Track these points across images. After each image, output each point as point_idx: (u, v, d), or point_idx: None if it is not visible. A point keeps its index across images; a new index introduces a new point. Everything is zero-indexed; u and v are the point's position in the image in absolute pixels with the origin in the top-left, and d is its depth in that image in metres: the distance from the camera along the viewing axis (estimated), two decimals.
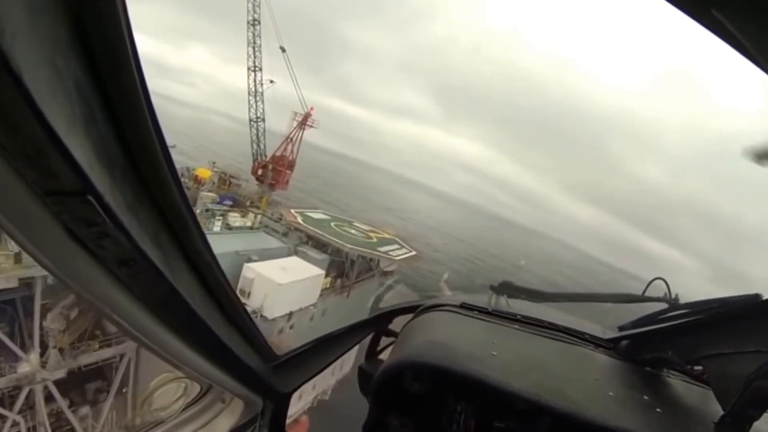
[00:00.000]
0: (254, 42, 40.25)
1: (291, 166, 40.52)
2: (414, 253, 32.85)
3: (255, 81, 41.22)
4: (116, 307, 0.70)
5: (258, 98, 41.37)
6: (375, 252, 29.02)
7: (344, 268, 28.79)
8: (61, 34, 0.42)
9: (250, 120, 41.23)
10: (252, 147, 41.05)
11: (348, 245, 27.54)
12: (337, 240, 27.80)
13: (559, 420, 1.12)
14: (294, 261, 24.56)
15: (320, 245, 28.42)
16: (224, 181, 37.31)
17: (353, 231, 32.78)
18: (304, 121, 39.61)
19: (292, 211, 32.07)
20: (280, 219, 30.43)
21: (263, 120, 41.48)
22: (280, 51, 39.64)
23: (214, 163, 38.37)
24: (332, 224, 32.48)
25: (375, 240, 32.51)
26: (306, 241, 29.00)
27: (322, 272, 25.23)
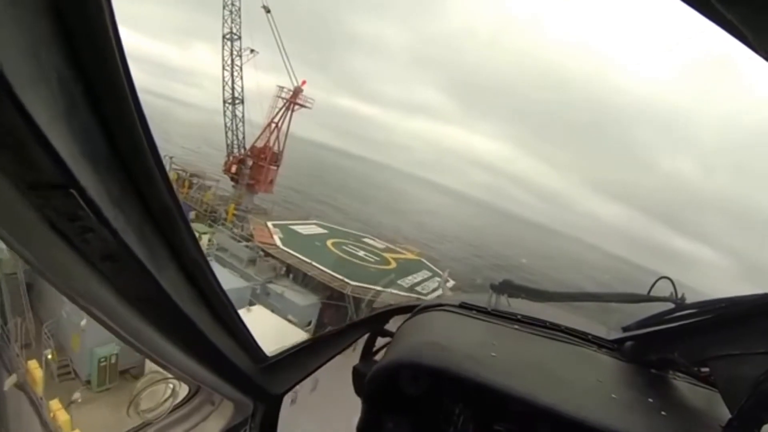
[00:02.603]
0: (231, 3, 30.42)
1: (275, 160, 30.14)
2: (451, 282, 21.87)
3: (231, 51, 31.09)
4: (100, 304, 0.70)
5: (235, 73, 31.22)
6: (394, 289, 18.04)
7: (347, 313, 18.00)
8: (43, 26, 0.42)
9: (225, 102, 31.30)
10: (226, 136, 30.89)
11: (352, 282, 16.69)
12: (333, 273, 16.96)
13: (560, 423, 1.09)
14: (254, 315, 13.81)
15: (309, 279, 17.68)
16: (183, 182, 27.31)
17: (362, 253, 21.87)
18: (293, 100, 29.18)
19: (270, 224, 21.31)
20: (251, 238, 19.85)
21: (242, 101, 31.35)
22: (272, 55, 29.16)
23: (171, 158, 28.16)
24: (329, 243, 21.68)
25: (394, 265, 21.63)
26: (286, 273, 18.31)
27: (303, 336, 14.31)
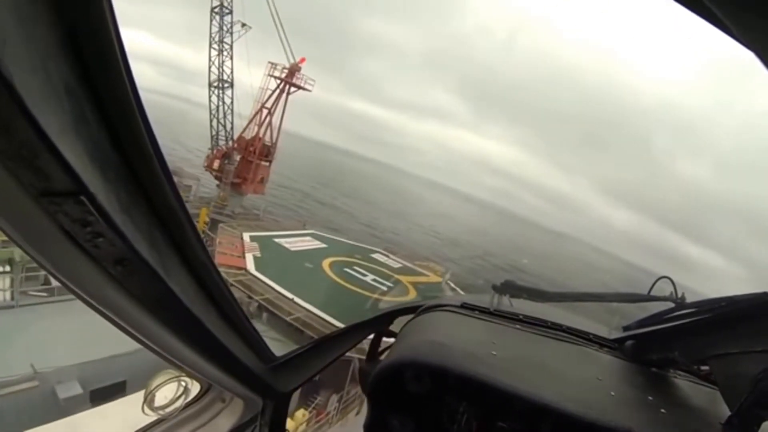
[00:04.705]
0: None
1: (267, 153, 24.71)
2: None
3: (221, 26, 25.93)
4: (113, 307, 0.73)
5: (224, 52, 26.04)
6: None
7: (349, 371, 12.40)
8: (51, 40, 0.44)
9: (210, 85, 26.05)
10: (211, 126, 25.70)
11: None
12: (326, 317, 11.38)
13: (561, 420, 1.11)
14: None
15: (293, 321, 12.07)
16: None
17: (371, 277, 16.15)
18: (288, 80, 23.82)
19: (246, 236, 15.79)
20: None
21: (231, 85, 26.09)
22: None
23: None
24: (326, 263, 16.04)
25: (412, 294, 15.85)
26: (259, 310, 12.74)
27: None
